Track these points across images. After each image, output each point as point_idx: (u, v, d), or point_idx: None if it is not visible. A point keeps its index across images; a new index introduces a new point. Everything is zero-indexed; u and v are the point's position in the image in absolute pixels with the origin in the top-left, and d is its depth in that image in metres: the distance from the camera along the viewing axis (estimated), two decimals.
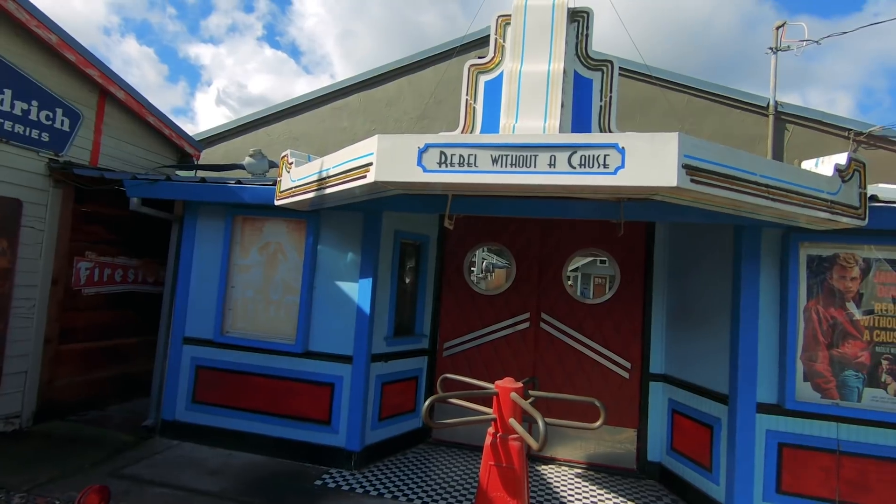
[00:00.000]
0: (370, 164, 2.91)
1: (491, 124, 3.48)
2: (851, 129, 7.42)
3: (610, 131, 3.40)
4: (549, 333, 4.96)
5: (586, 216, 3.61)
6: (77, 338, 5.36)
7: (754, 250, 3.75)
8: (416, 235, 5.05)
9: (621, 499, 4.15)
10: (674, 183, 2.48)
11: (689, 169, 2.51)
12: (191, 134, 7.18)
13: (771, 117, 7.77)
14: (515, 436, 2.85)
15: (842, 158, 3.16)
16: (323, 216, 4.63)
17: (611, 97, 3.45)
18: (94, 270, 5.51)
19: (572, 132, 3.31)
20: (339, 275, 4.60)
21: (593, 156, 2.60)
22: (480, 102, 3.59)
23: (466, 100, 3.61)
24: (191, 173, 6.35)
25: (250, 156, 5.70)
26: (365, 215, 4.55)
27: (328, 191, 3.41)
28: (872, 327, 3.59)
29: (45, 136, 4.93)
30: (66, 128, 5.13)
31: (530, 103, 3.28)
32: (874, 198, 3.41)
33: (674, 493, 4.28)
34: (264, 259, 4.81)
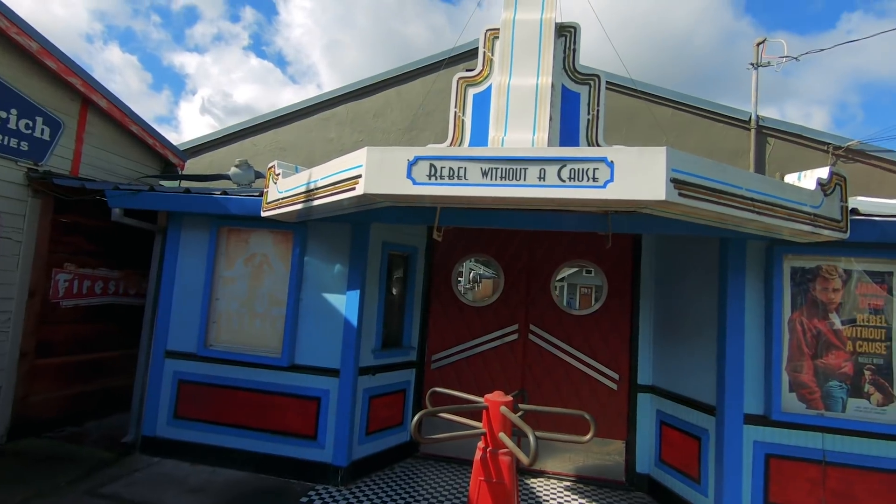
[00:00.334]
0: (359, 176, 2.90)
1: (480, 137, 3.49)
2: (830, 143, 7.62)
3: (598, 145, 3.43)
4: (537, 345, 4.95)
5: (574, 228, 3.62)
6: (55, 352, 5.21)
7: (739, 262, 3.80)
8: (404, 247, 5.02)
9: None
10: (662, 197, 2.50)
11: (677, 183, 2.54)
12: (175, 143, 7.10)
13: (753, 131, 7.95)
14: (505, 450, 2.82)
15: (824, 172, 3.23)
16: (310, 227, 4.58)
17: (598, 111, 3.48)
18: (74, 282, 5.38)
19: (560, 145, 3.34)
20: (326, 287, 4.55)
21: (583, 169, 2.62)
22: (469, 115, 3.60)
23: (455, 112, 3.61)
24: (175, 184, 6.26)
25: (236, 166, 5.65)
26: (353, 227, 4.51)
27: (316, 202, 3.38)
28: (855, 338, 3.65)
29: (24, 145, 4.83)
30: (46, 137, 5.03)
31: (519, 116, 3.30)
32: (855, 211, 3.48)
33: None
34: (250, 271, 4.74)
